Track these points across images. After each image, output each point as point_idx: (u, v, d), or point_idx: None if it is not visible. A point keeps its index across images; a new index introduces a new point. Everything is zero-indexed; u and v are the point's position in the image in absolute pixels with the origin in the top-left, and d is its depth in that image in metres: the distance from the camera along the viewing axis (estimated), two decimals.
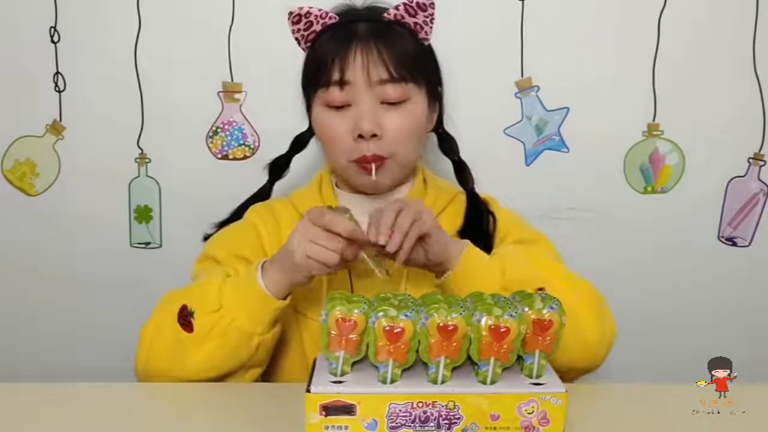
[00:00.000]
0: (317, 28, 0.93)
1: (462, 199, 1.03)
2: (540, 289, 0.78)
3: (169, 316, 0.86)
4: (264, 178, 1.10)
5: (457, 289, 0.83)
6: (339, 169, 0.98)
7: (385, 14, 0.93)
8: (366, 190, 0.98)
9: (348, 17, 0.95)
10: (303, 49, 0.96)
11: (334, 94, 0.91)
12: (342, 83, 0.90)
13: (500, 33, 1.23)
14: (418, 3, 0.92)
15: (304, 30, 0.93)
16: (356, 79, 0.90)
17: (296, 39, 0.95)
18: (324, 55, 0.91)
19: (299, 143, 1.08)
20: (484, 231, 0.99)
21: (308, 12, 0.92)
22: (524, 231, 1.02)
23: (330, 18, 0.93)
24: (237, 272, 0.89)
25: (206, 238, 1.05)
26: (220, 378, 0.86)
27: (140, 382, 0.90)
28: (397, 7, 0.93)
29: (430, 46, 0.98)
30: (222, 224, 1.05)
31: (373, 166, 0.92)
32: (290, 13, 0.93)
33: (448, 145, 1.06)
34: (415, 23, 0.93)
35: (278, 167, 1.09)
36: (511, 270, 0.86)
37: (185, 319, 0.85)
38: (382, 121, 0.91)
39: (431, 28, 0.94)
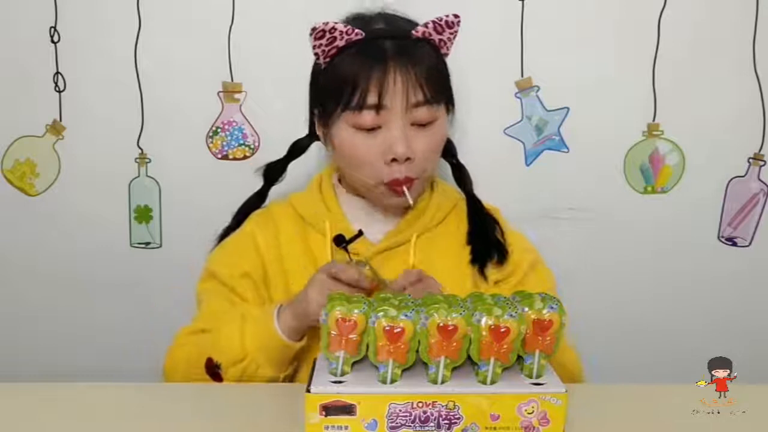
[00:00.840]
0: (340, 44, 0.89)
1: (464, 206, 1.03)
2: None
3: (194, 367, 0.90)
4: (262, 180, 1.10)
5: None
6: (364, 187, 0.95)
7: (414, 32, 0.90)
8: (393, 208, 0.98)
9: (373, 33, 0.90)
10: (321, 64, 0.92)
11: (368, 117, 0.88)
12: (371, 107, 0.88)
13: (500, 33, 1.23)
14: (447, 21, 0.90)
15: (326, 45, 0.89)
16: (394, 105, 0.87)
17: (316, 54, 0.91)
18: (356, 77, 0.87)
19: (297, 149, 1.05)
20: (492, 239, 0.99)
21: (333, 28, 0.87)
22: (530, 254, 1.02)
23: (357, 35, 0.88)
24: (250, 312, 0.91)
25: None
26: None
27: None
28: (426, 24, 0.90)
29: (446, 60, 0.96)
30: (223, 236, 1.05)
31: (406, 189, 0.91)
32: (313, 29, 0.88)
33: (446, 147, 1.05)
34: (440, 40, 0.92)
35: (273, 172, 1.06)
36: None
37: (213, 371, 0.89)
38: (413, 142, 0.89)
39: (452, 44, 0.93)
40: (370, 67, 0.87)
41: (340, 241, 0.94)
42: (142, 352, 1.33)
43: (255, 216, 1.05)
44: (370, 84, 0.87)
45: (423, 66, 0.89)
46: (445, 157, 1.06)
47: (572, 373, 0.96)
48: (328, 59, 0.91)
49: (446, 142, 1.05)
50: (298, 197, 1.04)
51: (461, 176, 1.05)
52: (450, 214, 1.02)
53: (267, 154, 1.27)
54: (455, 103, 0.98)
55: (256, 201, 1.08)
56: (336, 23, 0.88)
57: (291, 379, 0.92)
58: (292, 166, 1.07)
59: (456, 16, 0.91)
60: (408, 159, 0.89)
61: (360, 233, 0.94)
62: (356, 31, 0.88)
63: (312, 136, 1.02)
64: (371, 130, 0.89)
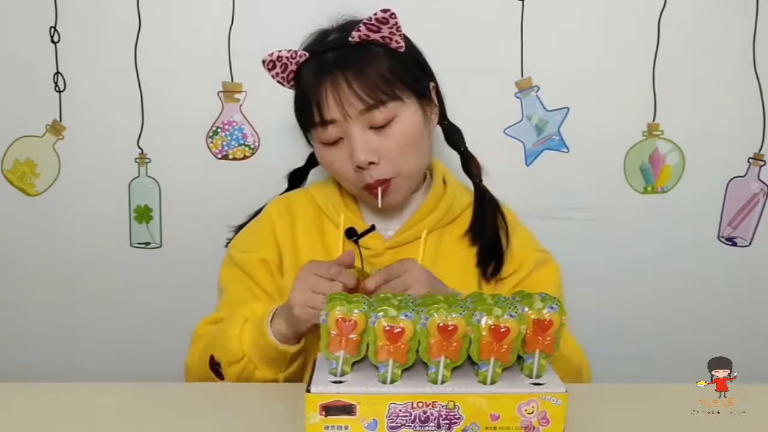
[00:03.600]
0: (293, 67, 0.94)
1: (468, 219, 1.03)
2: None
3: (203, 363, 0.92)
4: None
5: None
6: (353, 192, 0.99)
7: (350, 38, 0.91)
8: (381, 210, 0.99)
9: (319, 47, 0.94)
10: (290, 89, 0.97)
11: (323, 134, 0.92)
12: (325, 123, 0.91)
13: (500, 33, 1.23)
14: (377, 18, 0.89)
15: (282, 72, 0.94)
16: (336, 116, 0.90)
17: (279, 82, 0.96)
18: (303, 97, 0.93)
19: (315, 159, 1.07)
20: (490, 235, 0.99)
21: (279, 56, 0.93)
22: (538, 253, 1.03)
23: (300, 56, 0.93)
24: (255, 313, 0.91)
25: (228, 243, 1.07)
26: None
27: None
28: (358, 29, 0.90)
29: (407, 50, 0.95)
30: (241, 227, 1.07)
31: (379, 191, 0.93)
32: (263, 62, 0.94)
33: (454, 136, 1.06)
34: (383, 37, 0.91)
35: (296, 179, 1.11)
36: None
37: (215, 368, 0.90)
38: (376, 145, 0.91)
39: (401, 36, 0.92)
40: (315, 85, 0.91)
41: (351, 235, 0.96)
42: (141, 353, 1.34)
43: (275, 202, 1.06)
44: (316, 101, 0.91)
45: (361, 73, 0.89)
46: (453, 146, 1.06)
47: (578, 366, 0.96)
48: (292, 83, 0.96)
49: (454, 130, 1.05)
50: (317, 187, 1.05)
51: (469, 165, 1.05)
52: (465, 212, 1.02)
53: (267, 154, 1.27)
54: (436, 85, 0.99)
55: None
56: (281, 51, 0.93)
57: (295, 378, 0.92)
58: None
59: (386, 11, 0.89)
60: (372, 163, 0.91)
61: (372, 228, 0.95)
62: (299, 53, 0.93)
63: None
64: (335, 142, 0.93)
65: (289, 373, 0.90)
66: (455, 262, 0.98)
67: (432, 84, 0.99)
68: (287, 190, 1.11)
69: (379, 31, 0.90)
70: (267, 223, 1.03)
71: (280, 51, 0.92)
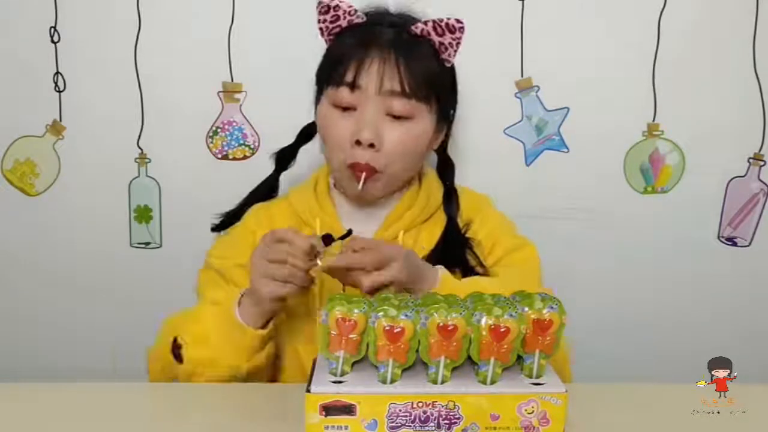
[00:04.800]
0: (343, 23, 0.93)
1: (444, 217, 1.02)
2: None
3: (165, 345, 0.89)
4: (265, 175, 1.10)
5: None
6: (334, 169, 0.97)
7: (413, 27, 0.92)
8: (352, 197, 0.98)
9: (375, 20, 0.94)
10: (325, 41, 0.96)
11: (343, 94, 0.90)
12: (353, 86, 0.90)
13: (500, 33, 1.23)
14: (448, 24, 0.90)
15: (330, 22, 0.93)
16: (368, 85, 0.89)
17: (320, 29, 0.94)
18: (341, 54, 0.91)
19: (307, 134, 1.07)
20: (458, 257, 0.97)
21: (337, 5, 0.92)
22: (511, 239, 1.02)
23: (357, 16, 0.92)
24: (227, 298, 0.90)
25: (213, 228, 1.07)
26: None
27: None
28: (426, 22, 0.91)
29: (452, 68, 0.97)
30: (227, 215, 1.07)
31: (363, 176, 0.91)
32: (319, 3, 0.92)
33: (446, 170, 1.06)
34: (440, 43, 0.92)
35: (284, 157, 1.08)
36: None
37: (176, 351, 0.87)
38: (383, 132, 0.90)
39: (456, 51, 0.93)
40: (356, 47, 0.90)
41: (328, 241, 0.94)
42: (141, 353, 1.33)
43: (256, 210, 1.05)
44: (350, 62, 0.89)
45: (410, 60, 0.90)
46: (442, 178, 1.05)
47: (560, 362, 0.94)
48: (331, 38, 0.94)
49: (447, 165, 1.05)
50: (295, 192, 1.04)
51: (449, 203, 1.03)
52: (439, 210, 1.02)
53: (267, 154, 1.27)
54: (454, 115, 0.99)
55: (266, 187, 1.09)
56: (342, 1, 0.91)
57: (260, 372, 0.90)
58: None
59: (459, 21, 0.91)
60: (372, 146, 0.90)
61: (349, 232, 0.92)
62: (358, 13, 0.92)
63: None
64: (346, 109, 0.91)
65: (253, 364, 0.87)
66: (431, 260, 0.96)
67: (452, 112, 1.00)
68: (275, 170, 1.09)
69: (442, 35, 0.91)
70: (246, 232, 1.02)
71: (342, 0, 0.92)
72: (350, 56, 0.90)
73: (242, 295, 0.87)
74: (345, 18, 0.92)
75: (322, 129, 0.96)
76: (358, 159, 0.91)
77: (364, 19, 0.93)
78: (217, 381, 0.86)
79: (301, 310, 0.95)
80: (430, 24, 0.91)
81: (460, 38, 0.92)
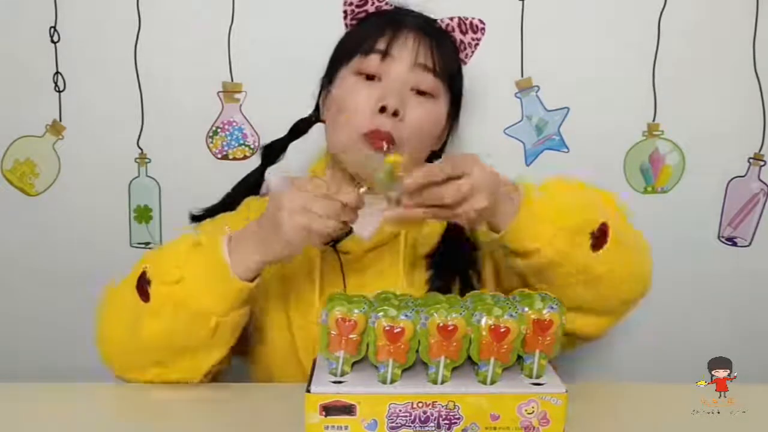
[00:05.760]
0: (370, 8, 0.94)
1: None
2: (603, 224, 0.81)
3: (132, 278, 0.80)
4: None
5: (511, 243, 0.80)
6: (345, 145, 0.90)
7: (440, 20, 0.94)
8: (362, 173, 0.91)
9: (402, 12, 0.95)
10: (345, 25, 0.97)
11: (373, 61, 0.89)
12: (385, 54, 0.89)
13: (500, 33, 1.22)
14: (472, 23, 0.93)
15: (357, 6, 0.94)
16: (401, 56, 0.89)
17: (344, 12, 0.96)
18: (374, 28, 0.91)
19: (299, 129, 1.04)
20: (457, 266, 0.95)
21: None
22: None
23: (385, 4, 0.95)
24: (209, 242, 0.81)
25: (192, 218, 1.01)
26: (176, 355, 0.80)
27: (99, 348, 0.85)
28: (451, 18, 0.94)
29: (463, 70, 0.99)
30: (210, 209, 1.02)
31: (385, 144, 0.86)
32: None
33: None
34: (461, 41, 0.95)
35: (273, 151, 1.04)
36: (566, 218, 0.81)
37: (142, 286, 0.78)
38: (407, 105, 0.89)
39: (473, 52, 0.96)
40: (391, 22, 0.91)
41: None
42: None
43: (252, 202, 1.01)
44: (384, 32, 0.90)
45: (442, 44, 0.92)
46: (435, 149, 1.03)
47: (641, 252, 0.91)
48: (353, 22, 0.96)
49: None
50: None
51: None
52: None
53: None
54: (458, 119, 0.99)
55: (252, 180, 1.05)
56: None
57: (228, 335, 0.80)
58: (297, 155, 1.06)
59: (482, 21, 0.94)
60: (396, 114, 0.87)
61: (349, 231, 0.89)
62: (386, 1, 0.95)
63: (316, 111, 1.01)
64: (371, 78, 0.90)
65: (227, 321, 0.78)
66: (432, 259, 0.95)
67: (457, 115, 1.00)
68: (262, 164, 1.04)
69: (465, 33, 0.94)
70: (239, 217, 0.97)
71: None
72: (385, 28, 0.90)
73: (230, 238, 0.79)
74: (373, 4, 0.94)
75: (341, 98, 0.91)
76: (379, 126, 0.87)
77: (392, 7, 0.95)
78: (175, 335, 0.78)
79: (297, 270, 0.91)
80: (455, 20, 0.94)
81: (479, 39, 0.95)
